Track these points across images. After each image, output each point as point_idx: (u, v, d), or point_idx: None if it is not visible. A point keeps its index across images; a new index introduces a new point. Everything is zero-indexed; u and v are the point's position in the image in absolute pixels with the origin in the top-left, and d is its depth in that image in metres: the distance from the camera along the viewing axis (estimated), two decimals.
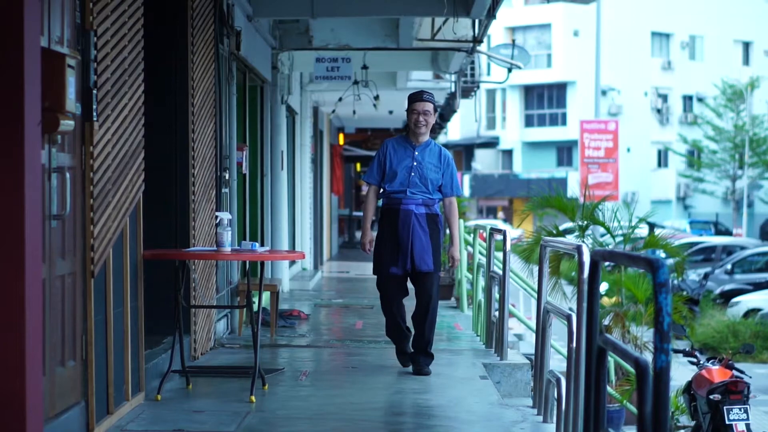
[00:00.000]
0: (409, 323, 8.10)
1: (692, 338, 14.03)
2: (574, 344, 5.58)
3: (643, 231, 16.94)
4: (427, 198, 7.82)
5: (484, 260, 10.28)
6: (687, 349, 10.03)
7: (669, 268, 4.52)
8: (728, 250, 30.07)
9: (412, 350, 8.00)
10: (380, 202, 8.06)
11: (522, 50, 16.94)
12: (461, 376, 8.04)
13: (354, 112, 19.00)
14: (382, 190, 7.94)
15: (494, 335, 8.98)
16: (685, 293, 18.41)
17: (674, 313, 11.36)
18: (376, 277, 8.04)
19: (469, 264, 12.48)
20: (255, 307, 7.38)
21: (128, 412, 6.29)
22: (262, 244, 12.13)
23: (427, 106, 7.83)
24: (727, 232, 45.93)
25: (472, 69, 18.09)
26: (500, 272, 8.66)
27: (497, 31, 51.28)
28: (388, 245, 7.84)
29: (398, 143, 7.95)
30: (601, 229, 12.60)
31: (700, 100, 54.33)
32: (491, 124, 58.77)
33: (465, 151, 59.24)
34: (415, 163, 7.81)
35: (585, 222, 11.97)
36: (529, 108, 57.95)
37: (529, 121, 57.90)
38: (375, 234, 8.04)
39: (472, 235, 12.19)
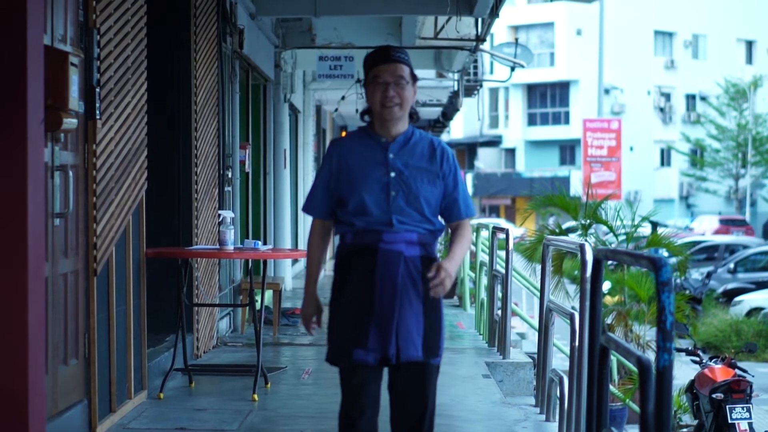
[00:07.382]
0: None
1: (695, 337, 14.03)
2: (577, 343, 5.59)
3: (645, 230, 16.92)
4: (423, 231, 4.27)
5: (486, 259, 10.28)
6: (690, 348, 10.03)
7: (672, 267, 4.51)
8: (731, 249, 30.04)
9: None
10: (338, 238, 4.48)
11: (525, 49, 16.93)
12: (464, 374, 8.03)
13: (357, 110, 18.90)
14: (341, 223, 4.37)
15: (497, 334, 8.98)
16: (687, 292, 18.36)
17: (677, 312, 11.34)
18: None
19: (472, 263, 12.47)
20: (257, 305, 7.39)
21: (131, 411, 6.30)
22: (265, 243, 12.13)
23: (399, 68, 4.23)
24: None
25: (475, 67, 18.09)
26: (503, 271, 8.66)
27: (500, 30, 51.31)
28: (351, 309, 4.39)
29: (357, 141, 4.35)
30: (604, 228, 12.60)
31: (703, 98, 54.29)
32: (494, 122, 58.76)
33: (468, 150, 59.22)
34: (392, 174, 4.25)
35: (588, 221, 11.97)
36: (532, 107, 57.92)
37: (532, 120, 57.87)
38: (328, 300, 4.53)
39: (474, 234, 12.17)
